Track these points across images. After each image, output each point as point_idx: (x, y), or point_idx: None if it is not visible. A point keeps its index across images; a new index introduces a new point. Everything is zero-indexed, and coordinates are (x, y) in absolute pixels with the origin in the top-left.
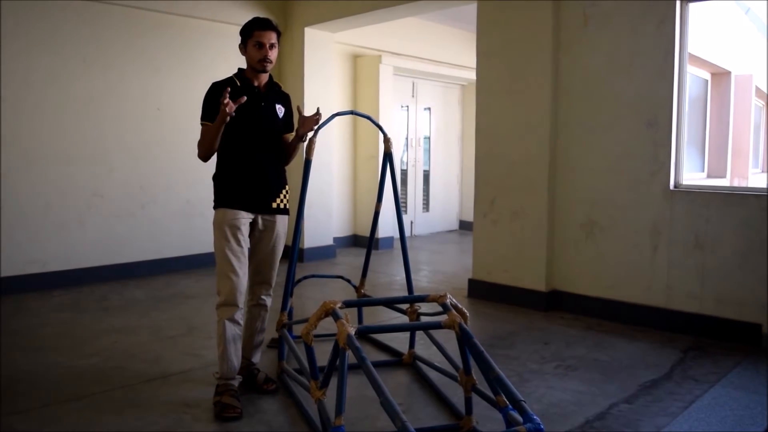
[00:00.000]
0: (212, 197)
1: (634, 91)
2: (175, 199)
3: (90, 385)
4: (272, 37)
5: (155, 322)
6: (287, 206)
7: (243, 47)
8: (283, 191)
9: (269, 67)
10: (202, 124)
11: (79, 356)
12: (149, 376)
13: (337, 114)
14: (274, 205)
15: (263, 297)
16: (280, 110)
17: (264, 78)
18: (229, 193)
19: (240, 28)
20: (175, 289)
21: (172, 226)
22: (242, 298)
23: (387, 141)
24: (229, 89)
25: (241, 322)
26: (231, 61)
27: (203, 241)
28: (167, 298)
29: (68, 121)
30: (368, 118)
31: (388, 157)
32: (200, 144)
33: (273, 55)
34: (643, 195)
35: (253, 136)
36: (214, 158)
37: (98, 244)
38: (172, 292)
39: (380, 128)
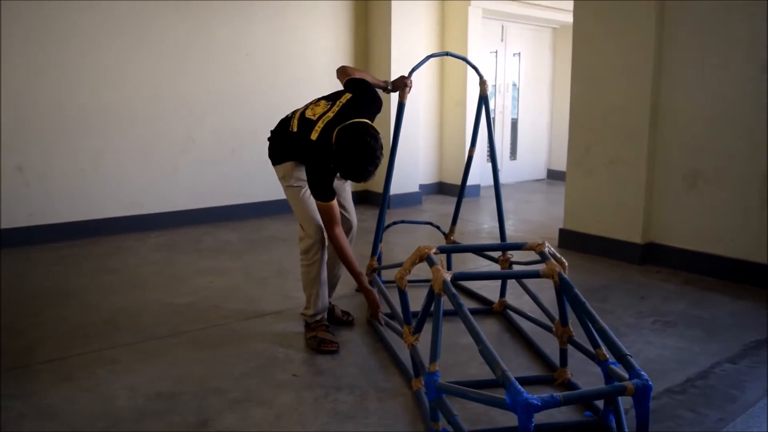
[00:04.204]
0: None
1: (750, 29)
2: (263, 144)
3: (188, 322)
4: None
5: (247, 264)
6: None
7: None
8: None
9: None
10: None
11: (177, 294)
12: (244, 315)
13: (432, 55)
14: None
15: None
16: None
17: None
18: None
19: None
20: (266, 232)
21: (261, 170)
22: None
23: (483, 83)
24: None
25: None
26: (319, 8)
27: None
28: (258, 241)
29: (162, 66)
30: (464, 59)
31: (483, 100)
32: (329, 220)
33: None
34: (753, 144)
35: None
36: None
37: (191, 188)
38: (263, 236)
39: (476, 70)
